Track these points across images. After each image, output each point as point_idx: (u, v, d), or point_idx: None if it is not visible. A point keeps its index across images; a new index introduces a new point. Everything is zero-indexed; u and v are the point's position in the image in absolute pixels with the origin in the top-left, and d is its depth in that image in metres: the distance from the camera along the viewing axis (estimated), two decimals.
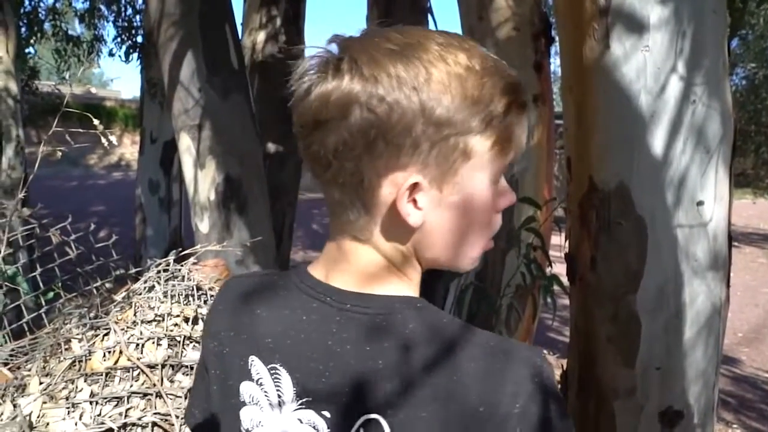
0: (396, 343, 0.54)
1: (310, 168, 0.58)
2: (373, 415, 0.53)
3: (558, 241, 1.94)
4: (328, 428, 0.56)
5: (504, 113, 0.54)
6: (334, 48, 0.54)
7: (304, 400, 0.57)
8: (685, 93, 1.12)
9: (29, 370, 1.32)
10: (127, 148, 20.04)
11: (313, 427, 0.57)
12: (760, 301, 6.97)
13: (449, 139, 0.52)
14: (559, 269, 2.01)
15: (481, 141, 0.53)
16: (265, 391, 0.60)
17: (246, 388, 0.61)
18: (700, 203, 1.16)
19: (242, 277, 0.70)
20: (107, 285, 1.65)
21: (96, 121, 1.57)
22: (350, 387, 0.54)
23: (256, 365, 0.60)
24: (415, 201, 0.53)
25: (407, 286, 0.58)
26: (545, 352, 4.86)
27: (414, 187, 0.52)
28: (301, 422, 0.58)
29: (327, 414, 0.56)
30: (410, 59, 0.51)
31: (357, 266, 0.57)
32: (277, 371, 0.59)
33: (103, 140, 1.65)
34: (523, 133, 0.57)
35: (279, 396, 0.59)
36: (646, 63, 1.12)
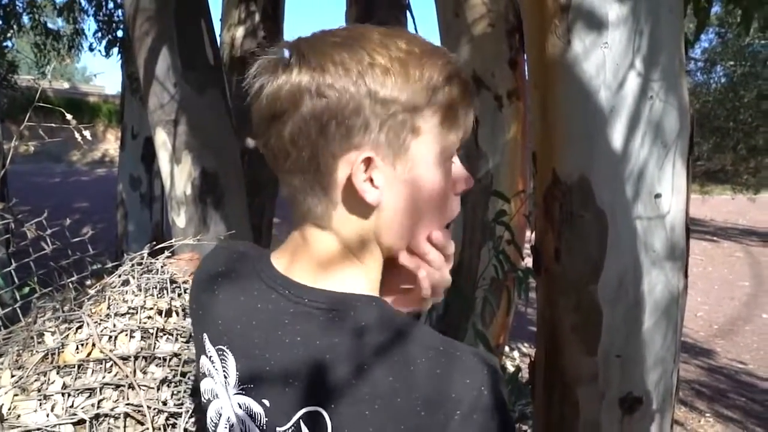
0: (346, 339, 0.55)
1: (271, 162, 0.60)
2: (316, 408, 0.54)
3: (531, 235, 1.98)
4: (266, 417, 0.57)
5: (445, 90, 0.56)
6: (283, 50, 0.57)
7: (245, 386, 0.59)
8: (643, 89, 1.16)
9: (1, 363, 1.33)
10: (111, 144, 19.81)
11: (250, 415, 0.58)
12: (737, 294, 7.11)
13: (397, 116, 0.55)
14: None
15: (428, 117, 0.56)
16: (215, 368, 0.62)
17: (203, 362, 0.64)
18: (657, 196, 1.20)
19: (225, 249, 0.72)
20: (88, 281, 1.66)
21: (69, 116, 1.57)
22: (295, 378, 0.56)
23: (206, 343, 0.63)
24: (371, 180, 0.56)
25: (365, 275, 0.59)
26: (526, 345, 4.92)
27: (368, 163, 0.55)
28: (240, 407, 0.59)
29: (266, 402, 0.57)
30: (353, 48, 0.55)
31: (316, 255, 0.59)
32: (223, 353, 0.61)
33: (77, 136, 1.66)
34: (469, 112, 0.60)
35: (225, 377, 0.61)
36: (606, 59, 1.15)
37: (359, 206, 0.57)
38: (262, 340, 0.58)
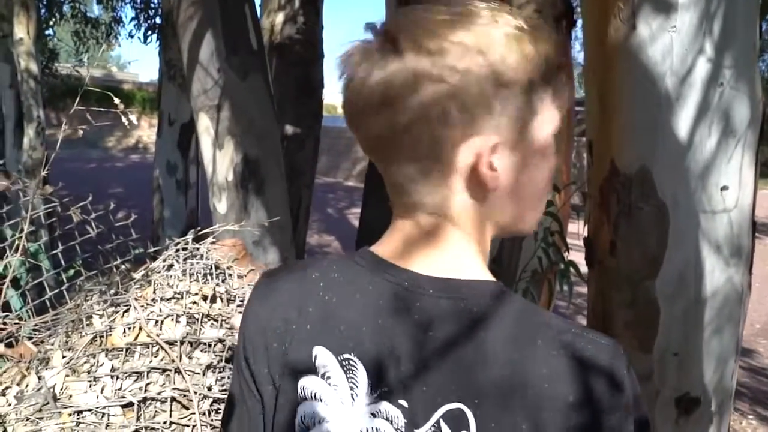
0: (484, 334, 0.51)
1: (374, 151, 0.57)
2: (458, 405, 0.51)
3: (574, 228, 1.92)
4: (405, 419, 0.53)
5: (555, 67, 0.55)
6: (371, 36, 0.54)
7: (380, 390, 0.54)
8: (712, 75, 1.10)
9: (52, 344, 1.35)
10: (145, 130, 20.20)
11: (388, 419, 0.54)
12: None
13: (519, 96, 0.53)
14: (574, 256, 1.99)
15: (544, 96, 0.55)
16: (334, 383, 0.57)
17: (308, 384, 0.58)
18: (724, 189, 1.15)
19: (276, 271, 0.66)
20: (127, 264, 1.67)
21: (117, 100, 1.58)
22: (433, 375, 0.52)
23: (321, 358, 0.57)
24: (491, 164, 0.53)
25: (483, 260, 0.57)
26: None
27: (494, 149, 0.53)
28: (375, 416, 0.54)
29: (404, 403, 0.53)
30: (468, 26, 0.52)
31: (435, 244, 0.56)
32: (350, 362, 0.56)
33: (124, 119, 1.66)
34: (569, 90, 0.59)
35: (352, 388, 0.56)
36: (673, 44, 1.10)
37: (479, 192, 0.55)
38: (393, 339, 0.54)
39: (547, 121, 0.56)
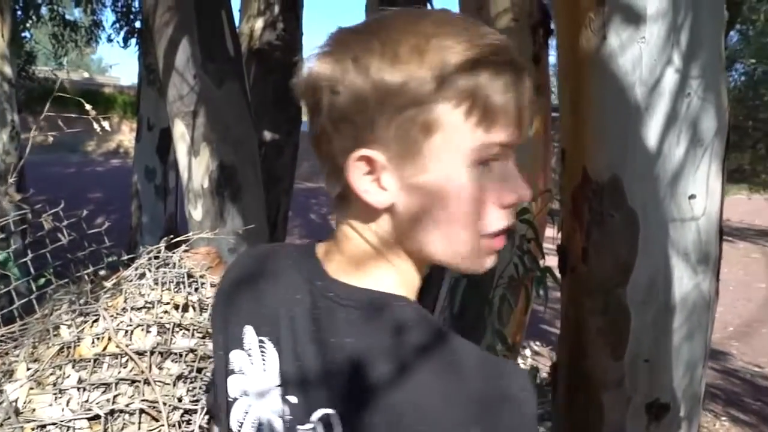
0: (378, 338, 0.51)
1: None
2: (330, 410, 0.51)
3: (551, 233, 1.93)
4: (290, 415, 0.55)
5: (466, 77, 0.48)
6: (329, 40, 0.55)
7: (282, 380, 0.56)
8: (680, 86, 1.12)
9: (17, 355, 1.32)
10: (126, 135, 19.95)
11: (279, 411, 0.56)
12: (753, 296, 7.00)
13: (405, 111, 0.49)
14: (552, 261, 2.01)
15: (448, 111, 0.48)
16: (252, 362, 0.59)
17: (236, 358, 0.61)
18: (692, 197, 1.16)
19: (260, 247, 0.69)
20: (102, 272, 1.64)
21: (88, 106, 1.55)
22: (322, 377, 0.53)
23: (247, 336, 0.60)
24: (379, 180, 0.51)
25: (398, 277, 0.56)
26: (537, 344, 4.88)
27: (371, 163, 0.51)
28: (275, 404, 0.57)
29: (294, 399, 0.55)
30: (369, 37, 0.50)
31: (348, 252, 0.56)
32: (264, 346, 0.58)
33: (96, 126, 1.64)
34: (517, 103, 0.50)
35: (263, 371, 0.58)
36: (642, 55, 1.11)
37: (370, 208, 0.53)
38: (299, 335, 0.55)
39: (451, 140, 0.49)
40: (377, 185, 0.51)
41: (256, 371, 0.59)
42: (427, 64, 0.48)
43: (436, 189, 0.50)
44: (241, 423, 0.60)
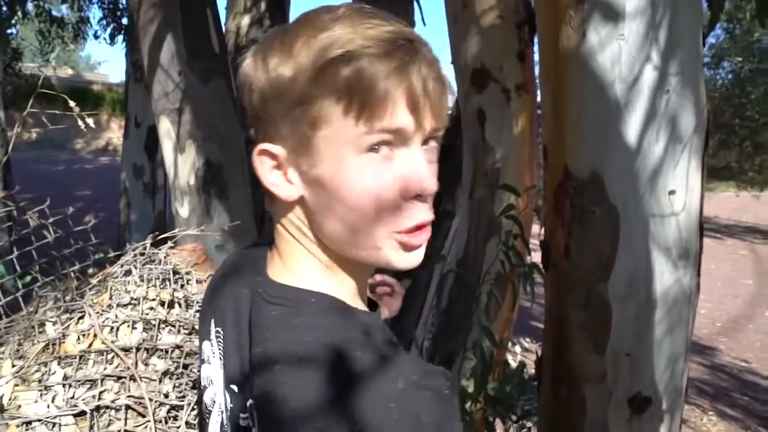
0: (292, 335, 0.51)
1: None
2: (252, 402, 0.53)
3: (538, 230, 1.95)
4: (232, 404, 0.58)
5: (340, 72, 0.48)
6: None
7: (223, 370, 0.60)
8: (659, 83, 1.13)
9: (2, 353, 1.32)
10: (115, 132, 19.80)
11: (223, 399, 0.59)
12: (740, 292, 7.08)
13: (294, 107, 0.51)
14: (539, 258, 2.02)
15: (330, 105, 0.49)
16: (214, 352, 0.62)
17: (205, 347, 0.64)
18: (672, 193, 1.18)
19: (250, 246, 0.71)
20: (90, 270, 1.64)
21: (72, 103, 1.55)
22: (251, 368, 0.54)
23: (212, 326, 0.63)
24: (286, 174, 0.54)
25: (319, 270, 0.56)
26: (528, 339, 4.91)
27: (275, 157, 0.53)
28: (227, 392, 0.60)
29: (235, 388, 0.58)
30: (284, 36, 0.53)
31: (280, 247, 0.59)
32: (220, 336, 0.62)
33: (81, 123, 1.63)
34: (396, 87, 0.49)
35: (220, 359, 0.61)
36: (621, 52, 1.12)
37: (286, 204, 0.55)
38: (242, 328, 0.58)
39: (335, 135, 0.50)
40: (285, 179, 0.54)
41: (216, 361, 0.62)
42: (312, 57, 0.50)
43: (329, 181, 0.51)
44: (210, 411, 0.63)
